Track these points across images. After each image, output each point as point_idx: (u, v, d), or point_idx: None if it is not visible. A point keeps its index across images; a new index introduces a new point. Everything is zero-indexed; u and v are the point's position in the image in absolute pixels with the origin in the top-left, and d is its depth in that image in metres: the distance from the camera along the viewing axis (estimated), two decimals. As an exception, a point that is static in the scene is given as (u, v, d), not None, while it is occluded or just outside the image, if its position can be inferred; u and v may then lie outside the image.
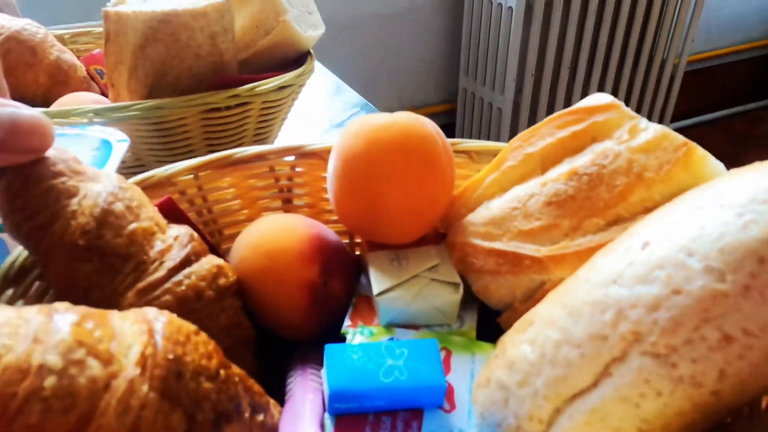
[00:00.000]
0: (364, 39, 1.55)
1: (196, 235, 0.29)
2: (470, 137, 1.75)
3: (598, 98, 0.29)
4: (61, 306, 0.21)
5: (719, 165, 0.26)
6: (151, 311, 0.23)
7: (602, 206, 0.27)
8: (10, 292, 0.28)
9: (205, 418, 0.22)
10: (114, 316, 0.22)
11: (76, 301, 0.23)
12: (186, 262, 0.27)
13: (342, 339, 0.31)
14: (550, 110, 1.67)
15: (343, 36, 1.52)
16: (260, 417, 0.25)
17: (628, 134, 0.27)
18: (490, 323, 0.32)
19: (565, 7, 1.51)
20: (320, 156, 0.39)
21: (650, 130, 0.27)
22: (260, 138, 0.56)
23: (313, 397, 0.28)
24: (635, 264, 0.23)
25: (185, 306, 0.27)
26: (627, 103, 1.77)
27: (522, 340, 0.25)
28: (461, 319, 0.32)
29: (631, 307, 0.22)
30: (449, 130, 1.81)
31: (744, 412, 0.24)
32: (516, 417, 0.24)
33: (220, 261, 0.30)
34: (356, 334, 0.31)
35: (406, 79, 1.71)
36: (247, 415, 0.24)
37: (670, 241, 0.22)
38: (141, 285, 0.26)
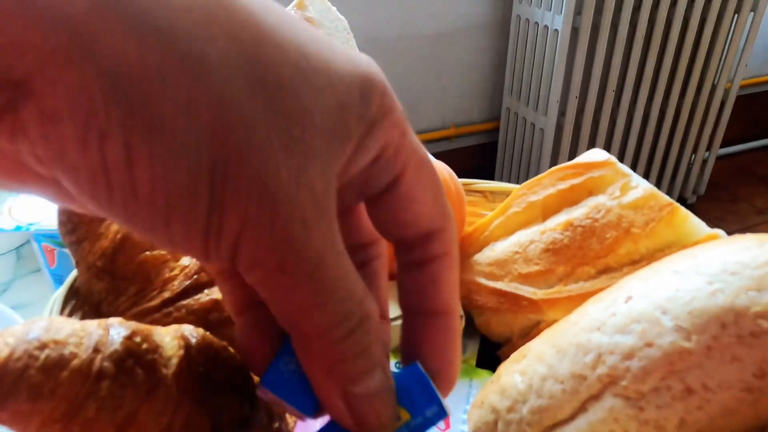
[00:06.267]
0: (409, 58, 1.59)
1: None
2: (512, 157, 1.75)
3: (595, 154, 0.31)
4: (115, 321, 0.25)
5: (700, 224, 0.28)
6: (187, 328, 0.27)
7: (593, 256, 0.29)
8: (73, 301, 0.33)
9: (229, 421, 0.25)
10: (157, 331, 0.26)
11: (90, 309, 0.25)
12: (183, 294, 0.29)
13: None
14: (594, 133, 1.65)
15: (389, 54, 1.56)
16: (276, 425, 0.28)
17: (619, 191, 0.29)
18: (491, 353, 0.35)
19: (612, 30, 1.50)
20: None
21: (639, 188, 0.29)
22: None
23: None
24: (617, 315, 0.25)
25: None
26: (674, 128, 1.73)
27: (515, 370, 0.28)
28: (464, 347, 0.35)
29: (609, 353, 0.25)
30: (492, 149, 1.81)
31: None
32: (502, 439, 0.27)
33: (218, 295, 0.30)
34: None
35: (450, 98, 1.73)
36: (264, 422, 0.27)
37: (649, 299, 0.25)
38: (135, 310, 0.29)
